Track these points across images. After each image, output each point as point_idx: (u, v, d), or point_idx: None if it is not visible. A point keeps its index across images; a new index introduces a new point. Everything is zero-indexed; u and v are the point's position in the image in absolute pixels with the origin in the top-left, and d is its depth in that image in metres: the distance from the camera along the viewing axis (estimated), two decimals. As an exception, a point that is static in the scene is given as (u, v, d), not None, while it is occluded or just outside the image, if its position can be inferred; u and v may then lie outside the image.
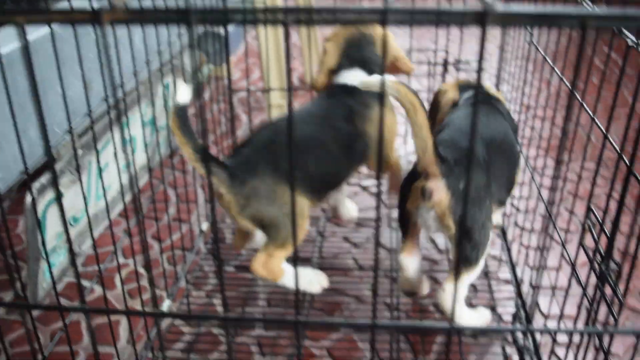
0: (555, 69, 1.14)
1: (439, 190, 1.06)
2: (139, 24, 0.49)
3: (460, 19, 0.43)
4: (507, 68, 1.51)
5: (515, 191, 1.78)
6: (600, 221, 0.89)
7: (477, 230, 1.08)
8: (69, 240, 0.95)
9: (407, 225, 1.19)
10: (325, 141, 1.25)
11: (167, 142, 1.55)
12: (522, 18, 0.42)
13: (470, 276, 1.13)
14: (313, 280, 1.28)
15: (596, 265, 0.86)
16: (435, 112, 1.43)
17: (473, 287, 1.45)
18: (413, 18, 0.44)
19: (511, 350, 1.28)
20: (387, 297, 1.42)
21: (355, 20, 0.45)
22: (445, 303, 1.14)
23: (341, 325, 0.65)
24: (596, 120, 0.96)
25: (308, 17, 0.46)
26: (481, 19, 0.42)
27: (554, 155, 1.97)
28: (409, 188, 1.13)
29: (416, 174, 1.11)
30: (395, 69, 1.43)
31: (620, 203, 0.80)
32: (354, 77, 1.34)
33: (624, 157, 0.82)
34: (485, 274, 1.49)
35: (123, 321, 1.38)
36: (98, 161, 0.90)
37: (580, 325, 1.13)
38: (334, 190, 1.34)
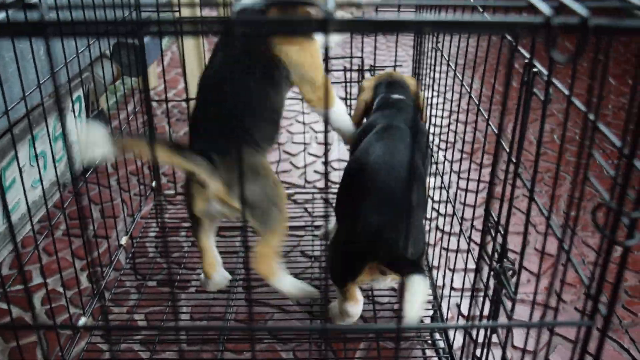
0: (457, 74, 1.17)
1: None
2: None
3: (305, 26, 0.44)
4: (430, 74, 1.53)
5: (436, 195, 1.82)
6: (496, 223, 0.91)
7: None
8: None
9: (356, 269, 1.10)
10: (252, 84, 1.18)
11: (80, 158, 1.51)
12: (362, 25, 0.43)
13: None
14: (301, 288, 1.25)
15: (493, 265, 0.88)
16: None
17: (393, 290, 1.47)
18: (261, 30, 0.44)
19: (431, 352, 1.31)
20: (307, 306, 1.42)
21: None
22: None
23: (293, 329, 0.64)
24: (491, 124, 0.99)
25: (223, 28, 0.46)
26: (323, 26, 0.43)
27: (476, 159, 2.02)
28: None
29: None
30: None
31: (509, 205, 0.83)
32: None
33: (512, 158, 0.85)
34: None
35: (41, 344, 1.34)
36: (0, 178, 0.87)
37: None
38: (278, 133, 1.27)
